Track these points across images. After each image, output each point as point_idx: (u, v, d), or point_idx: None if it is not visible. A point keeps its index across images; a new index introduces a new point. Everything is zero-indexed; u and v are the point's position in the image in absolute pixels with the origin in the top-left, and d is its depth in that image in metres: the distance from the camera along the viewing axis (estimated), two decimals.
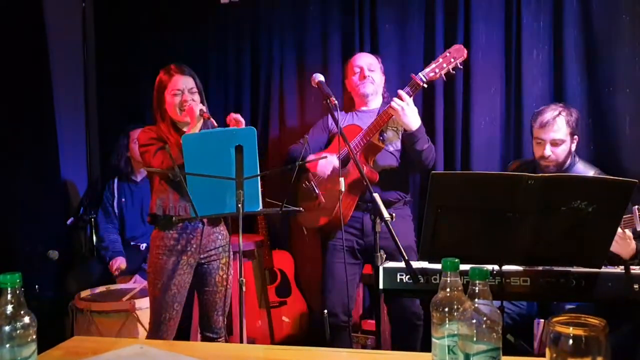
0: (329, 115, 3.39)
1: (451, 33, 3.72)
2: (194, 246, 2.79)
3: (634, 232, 2.65)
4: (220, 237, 2.88)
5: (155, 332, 2.77)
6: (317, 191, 3.26)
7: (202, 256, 2.82)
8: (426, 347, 1.45)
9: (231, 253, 2.92)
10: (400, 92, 2.98)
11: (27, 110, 3.97)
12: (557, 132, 2.91)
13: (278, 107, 4.25)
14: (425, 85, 2.98)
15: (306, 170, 3.31)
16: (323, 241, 3.36)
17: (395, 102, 2.97)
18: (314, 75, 2.90)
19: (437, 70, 2.96)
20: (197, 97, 2.82)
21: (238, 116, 2.76)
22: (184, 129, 2.79)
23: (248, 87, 4.35)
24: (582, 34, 3.42)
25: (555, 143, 2.91)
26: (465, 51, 2.96)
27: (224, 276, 2.86)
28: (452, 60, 2.96)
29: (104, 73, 4.71)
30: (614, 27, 3.33)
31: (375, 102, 3.37)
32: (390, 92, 3.78)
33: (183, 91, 2.78)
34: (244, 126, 2.72)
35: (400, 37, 3.87)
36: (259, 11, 4.29)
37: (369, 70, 3.30)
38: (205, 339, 2.90)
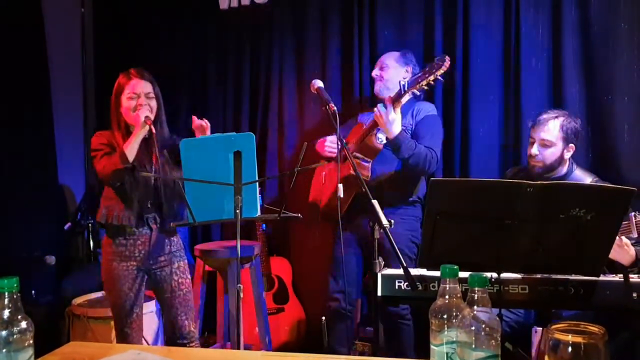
0: (359, 117, 3.50)
1: (450, 40, 3.73)
2: (142, 252, 2.82)
3: (631, 239, 2.64)
4: (172, 244, 2.91)
5: (122, 338, 2.83)
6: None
7: (151, 262, 2.85)
8: (424, 353, 1.44)
9: (185, 259, 2.97)
10: (379, 105, 3.03)
11: (25, 115, 3.97)
12: (547, 133, 2.92)
13: (277, 113, 4.25)
14: (405, 94, 3.00)
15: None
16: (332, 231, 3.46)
17: (377, 108, 3.03)
18: (313, 81, 2.90)
19: (418, 80, 2.96)
20: (153, 102, 2.82)
21: (203, 122, 2.78)
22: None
23: (247, 93, 4.36)
24: (580, 42, 3.43)
25: (544, 143, 2.92)
26: (448, 62, 2.92)
27: (179, 280, 2.90)
28: (434, 71, 2.92)
29: (103, 77, 4.71)
30: (613, 35, 3.33)
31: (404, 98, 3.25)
32: None
33: (139, 95, 2.78)
34: (209, 132, 2.77)
35: (399, 44, 3.87)
36: (258, 17, 4.29)
37: (379, 68, 3.36)
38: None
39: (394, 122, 3.01)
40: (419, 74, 2.96)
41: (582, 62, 3.43)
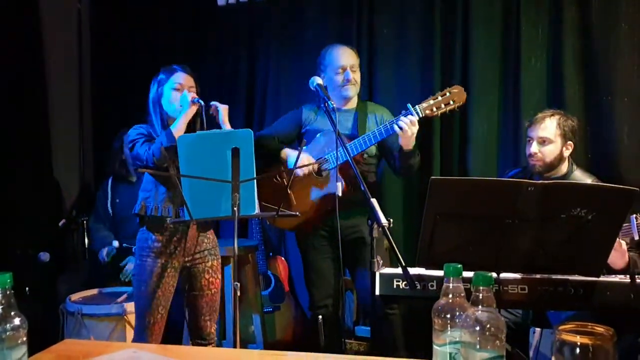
0: (303, 108, 3.38)
1: (449, 39, 3.71)
2: (180, 249, 2.76)
3: (632, 241, 2.63)
4: (206, 241, 2.86)
5: (140, 336, 2.74)
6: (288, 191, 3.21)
7: (187, 259, 2.79)
8: (426, 353, 1.42)
9: (219, 258, 2.91)
10: (413, 118, 2.92)
11: (20, 111, 3.93)
12: (544, 130, 2.91)
13: (273, 110, 4.22)
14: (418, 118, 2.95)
15: (278, 163, 3.29)
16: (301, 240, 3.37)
17: (409, 127, 2.92)
18: (312, 78, 2.88)
19: (434, 109, 2.94)
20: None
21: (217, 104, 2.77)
22: None
23: (244, 90, 4.34)
24: (581, 42, 3.42)
25: (542, 141, 2.91)
26: (465, 96, 2.93)
27: (210, 279, 2.84)
28: (452, 102, 2.93)
29: (99, 74, 4.68)
30: (613, 35, 3.32)
31: (353, 102, 3.29)
32: (388, 99, 3.78)
33: (184, 86, 2.76)
34: (226, 111, 2.77)
35: (397, 42, 3.86)
36: (256, 13, 4.27)
37: (351, 70, 3.21)
38: (195, 345, 2.86)
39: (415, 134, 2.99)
40: (432, 102, 2.93)
41: (582, 62, 3.42)
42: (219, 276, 2.90)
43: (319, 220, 3.21)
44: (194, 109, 2.69)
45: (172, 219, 2.70)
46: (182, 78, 2.77)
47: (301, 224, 3.21)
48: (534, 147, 2.92)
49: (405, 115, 2.94)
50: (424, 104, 2.97)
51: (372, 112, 3.27)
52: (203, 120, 2.75)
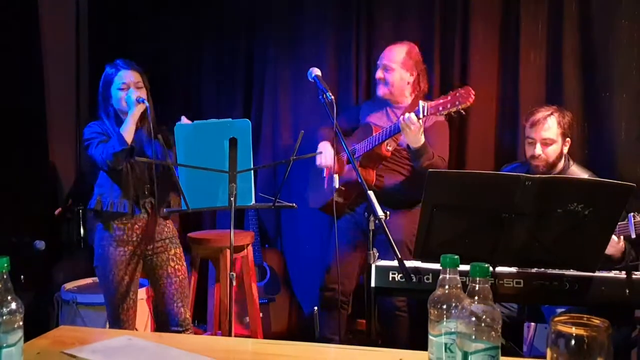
0: (362, 106, 3.45)
1: (449, 33, 3.71)
2: (139, 237, 2.80)
3: (629, 239, 2.64)
4: (166, 229, 2.90)
5: (116, 324, 2.79)
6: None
7: (148, 247, 2.83)
8: (421, 345, 1.42)
9: (180, 246, 2.96)
10: (411, 116, 2.92)
11: (17, 100, 3.91)
12: (547, 131, 2.89)
13: (271, 101, 4.22)
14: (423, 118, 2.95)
15: None
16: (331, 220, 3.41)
17: (408, 118, 2.93)
18: (310, 69, 2.87)
19: (440, 109, 2.90)
20: (143, 92, 2.78)
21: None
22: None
23: (242, 81, 4.32)
24: (580, 37, 3.42)
25: (545, 142, 2.90)
26: (472, 98, 2.86)
27: (176, 267, 2.88)
28: (457, 103, 2.86)
29: (96, 62, 4.65)
30: (613, 31, 3.33)
31: (406, 99, 3.30)
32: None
33: (129, 85, 2.75)
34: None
35: (396, 34, 3.84)
36: (254, 4, 4.26)
37: (384, 70, 3.23)
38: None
39: (421, 132, 2.97)
40: (440, 102, 2.89)
41: (581, 58, 3.42)
42: (184, 263, 2.94)
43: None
44: (140, 108, 2.70)
45: (167, 211, 2.77)
46: (126, 76, 2.75)
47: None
48: (538, 150, 2.90)
49: (408, 113, 2.95)
50: (433, 102, 2.92)
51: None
52: (150, 118, 2.74)
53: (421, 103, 2.92)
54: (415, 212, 3.21)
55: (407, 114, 2.94)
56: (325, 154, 3.27)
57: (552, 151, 2.92)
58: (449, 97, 2.87)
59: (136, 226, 2.79)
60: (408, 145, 3.06)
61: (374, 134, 3.14)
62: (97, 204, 2.76)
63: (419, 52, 3.31)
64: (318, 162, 3.31)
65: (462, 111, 2.87)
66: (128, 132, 2.66)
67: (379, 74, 3.27)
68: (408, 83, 3.26)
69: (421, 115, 2.91)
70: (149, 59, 4.34)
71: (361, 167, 3.14)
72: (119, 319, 2.79)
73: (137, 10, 4.54)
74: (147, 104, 2.70)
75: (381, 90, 3.27)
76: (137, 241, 2.80)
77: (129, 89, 2.73)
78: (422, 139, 3.00)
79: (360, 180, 2.41)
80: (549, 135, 2.89)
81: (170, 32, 4.43)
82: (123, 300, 2.78)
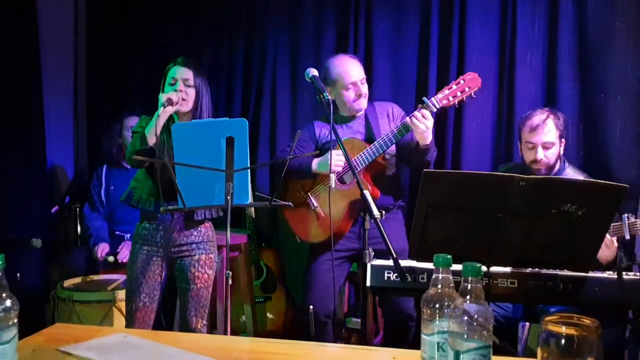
0: (315, 124, 3.30)
1: (446, 34, 3.71)
2: (165, 239, 2.75)
3: (623, 240, 2.66)
4: (195, 233, 2.79)
5: (128, 322, 2.77)
6: (314, 205, 3.14)
7: (172, 250, 2.77)
8: (415, 344, 1.43)
9: (211, 253, 2.84)
10: (425, 112, 2.90)
11: (15, 96, 3.91)
12: (547, 135, 2.90)
13: (270, 101, 4.22)
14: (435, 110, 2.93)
15: (310, 175, 3.17)
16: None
17: (421, 122, 2.90)
18: (307, 69, 2.87)
19: (450, 98, 2.90)
20: (191, 91, 2.73)
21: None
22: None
23: (240, 81, 4.33)
24: (576, 39, 3.42)
25: (546, 146, 2.91)
26: (480, 81, 2.88)
27: (196, 273, 2.76)
28: (467, 89, 2.89)
29: (94, 60, 4.66)
30: (608, 33, 3.33)
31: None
32: (384, 93, 3.78)
33: (177, 80, 2.72)
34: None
35: (394, 36, 3.86)
36: (253, 4, 4.26)
37: (361, 84, 3.15)
38: None
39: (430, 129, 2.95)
40: (447, 91, 2.90)
41: (576, 59, 3.43)
42: (208, 271, 2.80)
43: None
44: (167, 111, 2.61)
45: (165, 208, 2.70)
46: (178, 72, 2.73)
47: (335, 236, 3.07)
48: (540, 154, 2.90)
49: (419, 110, 2.92)
50: (440, 95, 2.94)
51: (382, 111, 3.25)
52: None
53: (425, 100, 2.91)
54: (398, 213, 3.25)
55: (419, 111, 2.91)
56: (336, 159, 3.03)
57: (552, 154, 2.93)
58: (457, 86, 2.87)
59: (161, 227, 2.76)
60: (417, 143, 3.01)
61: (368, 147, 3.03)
62: (127, 198, 2.77)
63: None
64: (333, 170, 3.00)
65: (473, 95, 2.86)
66: (151, 132, 2.59)
67: (364, 89, 3.17)
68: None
69: (434, 110, 2.90)
70: (146, 59, 4.37)
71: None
72: (130, 317, 2.75)
73: (136, 11, 4.54)
74: (174, 107, 2.62)
75: (363, 104, 3.18)
76: (161, 242, 2.75)
77: (176, 83, 2.70)
78: (431, 136, 2.98)
79: (357, 180, 2.42)
80: (549, 138, 2.90)
81: (168, 31, 4.43)
82: (133, 299, 2.73)
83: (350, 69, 3.15)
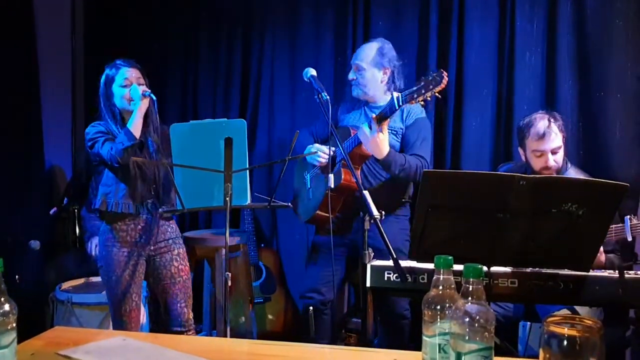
0: (338, 108, 3.34)
1: (445, 33, 3.71)
2: (145, 237, 2.80)
3: (625, 242, 2.64)
4: (169, 230, 2.90)
5: (119, 325, 2.78)
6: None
7: (152, 248, 2.83)
8: (416, 346, 1.43)
9: (184, 246, 2.96)
10: (364, 127, 2.87)
11: (12, 98, 3.89)
12: (555, 141, 2.84)
13: (268, 101, 4.22)
14: (396, 111, 2.85)
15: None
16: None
17: (362, 131, 2.87)
18: (306, 70, 2.86)
19: (414, 96, 2.76)
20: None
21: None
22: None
23: (238, 81, 4.32)
24: (575, 38, 3.42)
25: (554, 151, 2.87)
26: (446, 79, 2.74)
27: (179, 267, 2.88)
28: (431, 87, 2.73)
29: (92, 61, 4.65)
30: (608, 32, 3.33)
31: (383, 98, 3.14)
32: None
33: (131, 82, 2.74)
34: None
35: (393, 36, 3.84)
36: (251, 4, 4.25)
37: (356, 70, 3.14)
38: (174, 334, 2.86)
39: (382, 142, 2.85)
40: (414, 89, 2.77)
41: (576, 58, 3.42)
42: (187, 263, 2.94)
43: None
44: (146, 102, 2.70)
45: (163, 210, 2.76)
46: (128, 73, 2.76)
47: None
48: (551, 161, 2.86)
49: (370, 123, 2.87)
50: (407, 91, 2.80)
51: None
52: (156, 113, 2.78)
53: (394, 94, 2.80)
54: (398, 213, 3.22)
55: (361, 127, 2.89)
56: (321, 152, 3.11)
57: (560, 157, 2.90)
58: (422, 83, 2.78)
59: (139, 227, 2.79)
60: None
61: (352, 135, 3.02)
62: (102, 204, 2.75)
63: (392, 48, 3.20)
64: (319, 163, 3.15)
65: (437, 95, 2.76)
66: (136, 126, 2.66)
67: (351, 74, 3.18)
68: (382, 82, 3.15)
69: (396, 107, 2.79)
70: (144, 58, 4.35)
71: (344, 168, 3.00)
72: (121, 320, 2.77)
73: (133, 9, 4.53)
74: (153, 97, 2.70)
75: (355, 92, 3.18)
76: (140, 242, 2.79)
77: (132, 84, 2.72)
78: (386, 149, 2.87)
79: (355, 179, 2.42)
80: (557, 144, 2.85)
81: (167, 31, 4.43)
82: (125, 301, 2.77)
83: (356, 53, 3.24)
